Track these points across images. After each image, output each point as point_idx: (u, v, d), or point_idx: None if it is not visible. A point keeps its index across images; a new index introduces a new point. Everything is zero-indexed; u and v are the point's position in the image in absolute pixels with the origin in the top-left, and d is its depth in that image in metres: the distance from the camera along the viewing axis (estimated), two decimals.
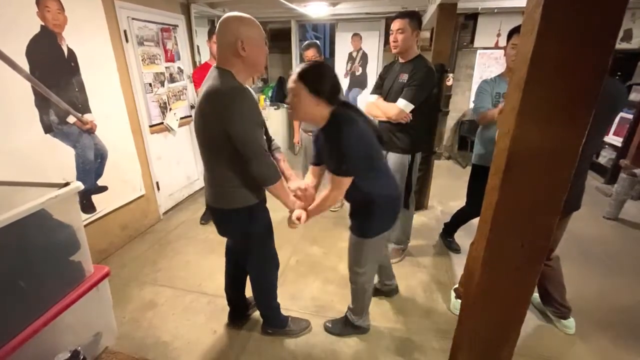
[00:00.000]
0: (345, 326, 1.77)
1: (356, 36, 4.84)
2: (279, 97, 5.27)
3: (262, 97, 5.00)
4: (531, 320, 1.87)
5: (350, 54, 4.97)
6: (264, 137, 1.36)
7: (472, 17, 4.32)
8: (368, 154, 1.33)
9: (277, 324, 1.78)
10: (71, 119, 2.15)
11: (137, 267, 2.40)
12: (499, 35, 4.29)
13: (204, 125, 1.27)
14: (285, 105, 5.07)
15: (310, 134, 3.08)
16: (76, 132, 2.19)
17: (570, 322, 1.78)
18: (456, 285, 2.01)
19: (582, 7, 0.64)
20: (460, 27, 4.38)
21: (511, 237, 0.85)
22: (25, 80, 1.85)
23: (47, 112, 2.00)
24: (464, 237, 2.58)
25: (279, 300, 1.74)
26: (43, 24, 1.94)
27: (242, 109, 1.19)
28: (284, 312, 1.78)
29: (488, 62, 4.50)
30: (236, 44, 1.18)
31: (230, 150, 1.25)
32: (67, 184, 0.71)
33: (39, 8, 1.91)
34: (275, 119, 4.88)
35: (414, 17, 1.95)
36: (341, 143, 1.24)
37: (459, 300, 1.91)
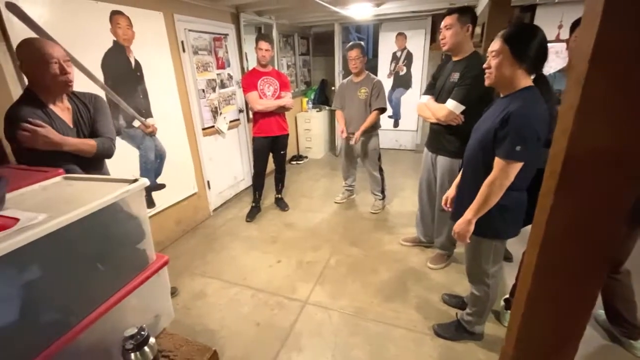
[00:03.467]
0: (457, 331, 1.74)
1: (400, 35, 4.75)
2: (321, 99, 5.34)
3: (305, 99, 5.10)
4: (595, 339, 1.68)
5: (394, 54, 4.88)
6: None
7: (530, 9, 4.01)
8: (540, 145, 1.22)
9: None
10: (136, 123, 2.39)
11: (189, 259, 2.60)
12: (560, 27, 3.93)
13: None
14: (327, 108, 5.17)
15: (351, 135, 3.09)
16: (140, 134, 2.44)
17: None
18: (506, 296, 1.89)
19: None
20: (516, 20, 4.09)
21: (567, 245, 0.78)
22: (100, 89, 2.11)
23: (117, 117, 2.24)
24: (517, 244, 2.39)
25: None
26: (115, 39, 2.19)
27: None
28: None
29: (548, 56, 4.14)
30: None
31: None
32: (136, 180, 0.81)
33: (111, 25, 2.16)
34: (317, 121, 4.95)
35: (464, 12, 1.85)
36: (525, 122, 1.17)
37: (509, 312, 1.80)
